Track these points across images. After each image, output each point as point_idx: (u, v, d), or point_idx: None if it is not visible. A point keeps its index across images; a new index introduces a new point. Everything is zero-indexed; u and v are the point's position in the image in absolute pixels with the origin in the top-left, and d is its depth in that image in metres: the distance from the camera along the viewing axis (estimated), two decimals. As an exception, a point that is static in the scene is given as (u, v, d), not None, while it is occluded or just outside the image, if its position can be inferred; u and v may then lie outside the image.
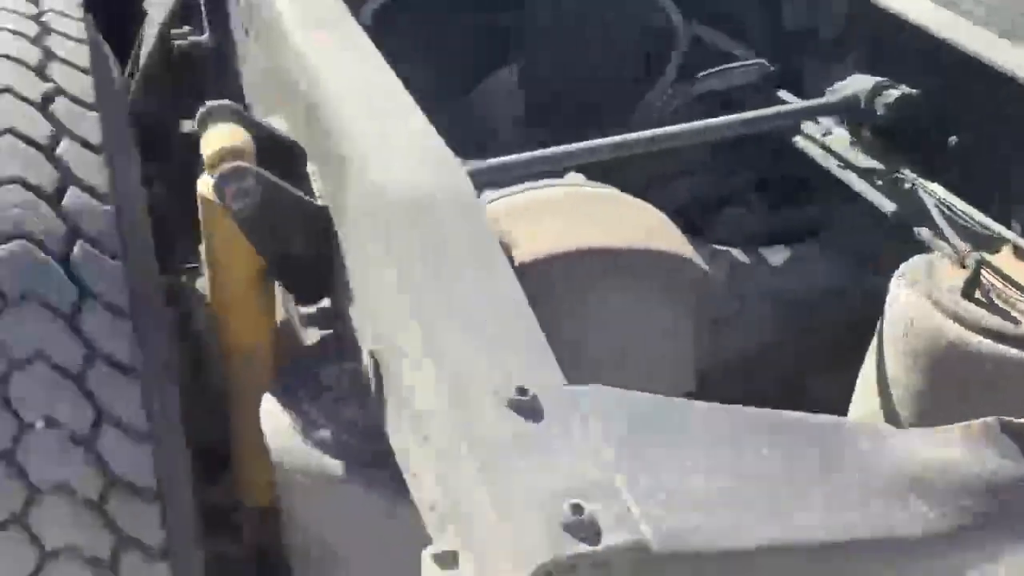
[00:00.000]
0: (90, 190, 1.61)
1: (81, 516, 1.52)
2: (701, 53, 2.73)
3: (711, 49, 2.75)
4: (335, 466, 1.64)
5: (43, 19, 1.80)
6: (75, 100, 1.69)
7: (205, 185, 1.73)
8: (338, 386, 1.67)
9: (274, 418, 1.71)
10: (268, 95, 2.08)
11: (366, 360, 1.57)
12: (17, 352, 1.51)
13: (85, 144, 1.64)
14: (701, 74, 2.53)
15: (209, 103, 1.77)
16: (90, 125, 1.67)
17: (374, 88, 1.74)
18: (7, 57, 1.71)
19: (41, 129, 1.64)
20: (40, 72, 1.71)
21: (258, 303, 1.85)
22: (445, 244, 1.41)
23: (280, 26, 1.93)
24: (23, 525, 1.50)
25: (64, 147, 1.63)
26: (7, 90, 1.66)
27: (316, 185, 1.77)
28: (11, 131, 1.62)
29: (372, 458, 1.63)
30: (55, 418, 1.51)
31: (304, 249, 1.75)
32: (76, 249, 1.57)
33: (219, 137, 1.71)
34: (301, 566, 1.78)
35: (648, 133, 2.25)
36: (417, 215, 1.44)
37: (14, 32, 1.75)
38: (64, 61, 1.73)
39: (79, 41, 1.79)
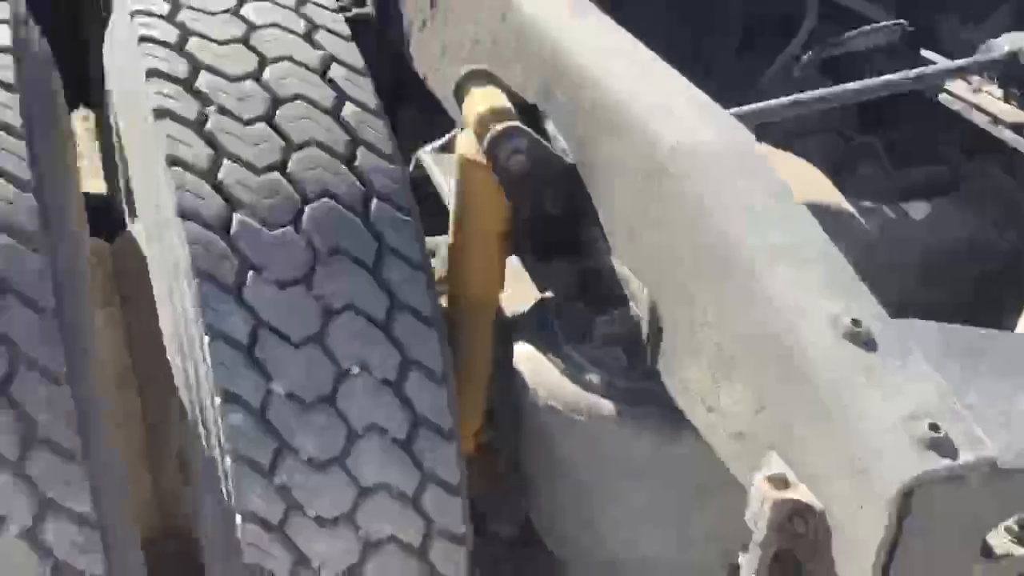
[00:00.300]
0: (377, 151, 1.71)
1: (391, 455, 1.63)
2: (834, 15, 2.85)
3: (843, 10, 2.87)
4: (605, 406, 1.76)
5: None
6: (348, 67, 1.78)
7: (466, 144, 1.84)
8: (598, 330, 1.79)
9: (535, 362, 1.83)
10: (477, 60, 2.17)
11: (638, 306, 1.70)
12: (332, 303, 1.62)
13: (365, 108, 1.74)
14: (847, 35, 2.64)
15: (466, 68, 1.87)
16: (365, 90, 1.76)
17: (623, 50, 1.85)
18: (280, 27, 1.80)
19: (325, 94, 1.73)
20: (310, 40, 1.80)
21: (498, 259, 1.96)
22: (748, 191, 1.52)
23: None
24: (343, 466, 1.61)
25: (348, 111, 1.73)
26: (287, 58, 1.75)
27: (559, 144, 1.88)
28: (300, 96, 1.71)
29: (638, 397, 1.76)
30: (368, 364, 1.62)
31: (553, 206, 1.87)
32: (373, 206, 1.67)
33: (484, 98, 1.81)
34: (558, 510, 1.90)
35: (804, 96, 2.38)
36: (712, 164, 1.55)
37: (282, 6, 1.84)
38: (330, 31, 1.82)
39: (334, 11, 1.89)
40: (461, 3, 2.25)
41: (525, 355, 1.87)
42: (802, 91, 2.40)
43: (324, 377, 1.60)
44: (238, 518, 1.58)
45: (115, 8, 2.00)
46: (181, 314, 1.64)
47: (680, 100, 1.71)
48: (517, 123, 1.77)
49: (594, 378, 1.77)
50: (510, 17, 2.01)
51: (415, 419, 1.64)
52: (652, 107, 1.68)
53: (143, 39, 1.73)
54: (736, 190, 1.51)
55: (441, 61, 2.34)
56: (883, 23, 2.68)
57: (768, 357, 1.42)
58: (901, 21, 2.66)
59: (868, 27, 2.68)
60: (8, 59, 1.66)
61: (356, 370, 1.62)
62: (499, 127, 1.75)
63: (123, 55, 1.87)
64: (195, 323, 1.59)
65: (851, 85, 2.43)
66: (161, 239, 1.68)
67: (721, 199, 1.49)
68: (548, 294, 2.02)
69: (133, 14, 1.77)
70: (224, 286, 1.58)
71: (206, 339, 1.56)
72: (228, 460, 1.57)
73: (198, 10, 1.80)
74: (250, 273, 1.59)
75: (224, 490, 1.59)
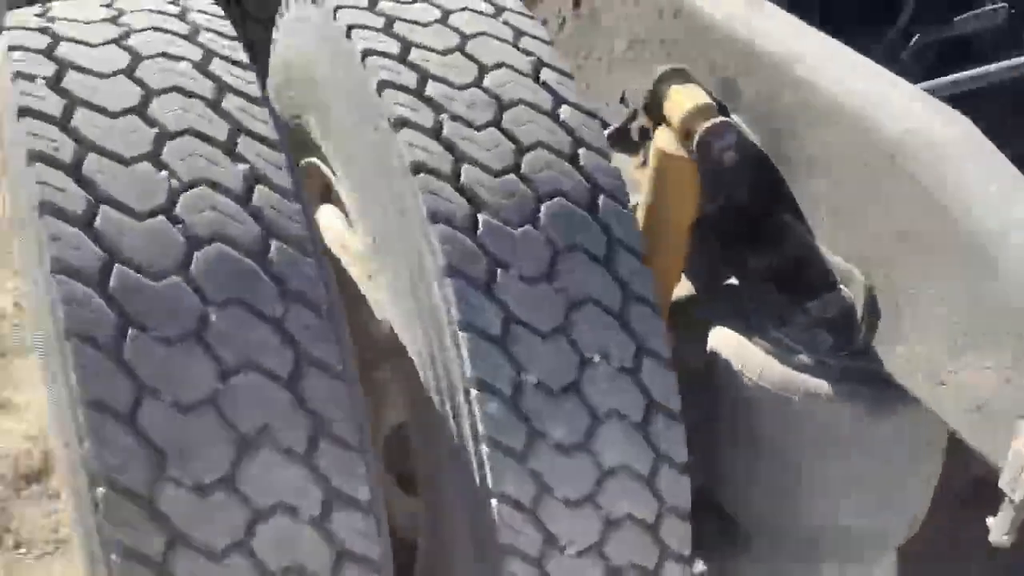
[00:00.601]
0: (596, 149, 1.80)
1: (630, 438, 1.73)
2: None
3: None
4: (817, 384, 1.86)
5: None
6: (556, 69, 1.87)
7: (666, 139, 1.93)
8: (811, 313, 1.88)
9: (740, 346, 1.93)
10: (643, 59, 2.25)
11: (850, 287, 1.79)
12: (573, 296, 1.71)
13: (579, 108, 1.83)
14: (957, 18, 2.68)
15: (661, 66, 1.96)
16: (574, 90, 1.86)
17: (815, 42, 1.94)
18: (490, 35, 1.88)
19: (543, 97, 1.82)
20: (518, 46, 1.89)
21: (683, 249, 2.05)
22: (983, 173, 1.61)
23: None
24: (587, 450, 1.70)
25: (565, 112, 1.82)
26: (503, 64, 1.84)
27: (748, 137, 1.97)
28: (522, 101, 1.81)
29: (848, 375, 1.85)
30: (608, 352, 1.72)
31: (745, 197, 1.96)
32: (600, 202, 1.77)
33: (689, 96, 1.91)
34: (757, 485, 1.99)
35: (937, 82, 2.45)
36: (945, 149, 1.65)
37: (485, 14, 1.93)
38: (533, 36, 1.91)
39: (531, 17, 1.98)
40: (613, 3, 2.33)
41: (725, 339, 1.96)
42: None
43: (569, 366, 1.70)
44: (493, 501, 1.67)
45: (295, 18, 2.09)
46: (427, 311, 1.73)
47: (890, 90, 1.80)
48: (728, 119, 1.86)
49: (805, 359, 1.87)
50: (685, 15, 2.10)
51: (650, 404, 1.74)
52: (865, 97, 1.77)
53: (368, 52, 1.81)
54: (971, 173, 1.60)
55: (596, 62, 2.42)
56: (989, 6, 2.74)
57: (1014, 331, 1.51)
58: (1003, 3, 2.71)
59: (977, 10, 2.72)
60: (252, 74, 1.75)
61: (597, 359, 1.71)
62: (711, 123, 1.85)
63: (330, 68, 1.95)
64: (447, 318, 1.68)
65: (981, 70, 2.50)
66: (402, 242, 1.77)
67: (959, 182, 1.59)
68: (731, 281, 2.11)
69: (350, 28, 1.86)
70: (476, 283, 1.67)
71: (462, 334, 1.65)
72: (484, 447, 1.66)
73: (411, 22, 1.88)
74: (499, 270, 1.68)
75: (477, 476, 1.69)
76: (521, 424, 1.67)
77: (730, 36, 2.00)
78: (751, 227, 2.00)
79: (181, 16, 1.83)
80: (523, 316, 1.68)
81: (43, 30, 1.74)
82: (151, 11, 1.82)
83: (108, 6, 1.84)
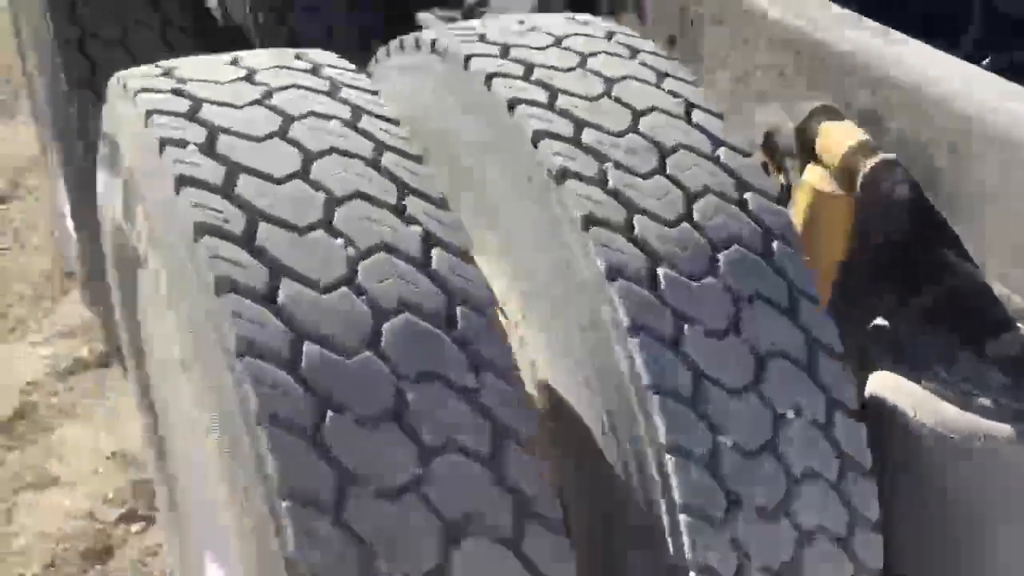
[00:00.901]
0: (760, 191, 1.71)
1: (826, 498, 1.62)
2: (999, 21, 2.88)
3: (1010, 17, 2.90)
4: (999, 428, 1.77)
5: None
6: (705, 110, 1.79)
7: (819, 178, 1.85)
8: (991, 351, 1.79)
9: (909, 391, 1.83)
10: (767, 90, 2.17)
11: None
12: (761, 349, 1.61)
13: (735, 149, 1.75)
14: None
15: (810, 103, 1.88)
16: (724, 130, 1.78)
17: (964, 72, 1.87)
18: (635, 78, 1.80)
19: (699, 139, 1.73)
20: (663, 88, 1.81)
21: (829, 290, 1.96)
22: None
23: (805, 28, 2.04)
24: (787, 513, 1.60)
25: (723, 154, 1.73)
26: (656, 108, 1.75)
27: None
28: (681, 145, 1.71)
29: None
30: (800, 407, 1.62)
31: (901, 235, 1.88)
32: (775, 247, 1.67)
33: (846, 133, 1.83)
34: (939, 542, 1.89)
35: None
36: None
37: (623, 56, 1.84)
38: (677, 78, 1.83)
39: (669, 57, 1.90)
40: (718, 37, 2.26)
41: (888, 383, 1.87)
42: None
43: (764, 424, 1.60)
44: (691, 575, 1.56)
45: (402, 66, 1.99)
46: (604, 372, 1.62)
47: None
48: (892, 156, 1.78)
49: (983, 400, 1.78)
50: (816, 47, 2.02)
51: (843, 460, 1.64)
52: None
53: (516, 101, 1.71)
54: None
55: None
56: None
57: None
58: None
59: None
60: (403, 129, 1.65)
61: (790, 415, 1.61)
62: (878, 160, 1.77)
63: (461, 118, 1.86)
64: (631, 379, 1.57)
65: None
66: (569, 299, 1.66)
67: None
68: (879, 321, 2.03)
69: (490, 77, 1.76)
70: (663, 340, 1.57)
71: (653, 396, 1.55)
72: (683, 516, 1.55)
73: (551, 68, 1.79)
74: (685, 325, 1.58)
75: (672, 548, 1.57)
76: (720, 490, 1.56)
77: (867, 68, 1.92)
78: (907, 265, 1.92)
79: (315, 72, 1.72)
80: (713, 373, 1.58)
81: (177, 91, 1.63)
82: (284, 68, 1.71)
83: (235, 64, 1.73)
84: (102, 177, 2.00)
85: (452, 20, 3.38)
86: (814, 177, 1.86)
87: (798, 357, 1.64)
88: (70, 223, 3.70)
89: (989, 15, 2.91)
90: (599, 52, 1.85)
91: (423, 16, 3.44)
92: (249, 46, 3.09)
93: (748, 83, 2.25)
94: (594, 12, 2.70)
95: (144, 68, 1.75)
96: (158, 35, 3.10)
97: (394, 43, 2.07)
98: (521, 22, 1.98)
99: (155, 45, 3.05)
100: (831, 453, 1.63)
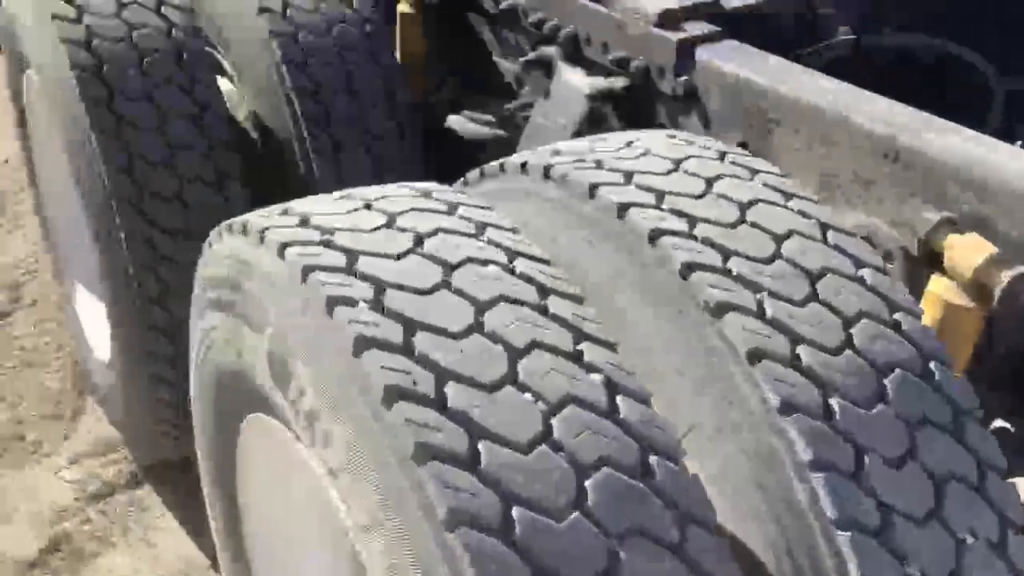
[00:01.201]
0: (908, 310, 1.70)
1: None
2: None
3: None
4: None
5: None
6: (838, 230, 1.78)
7: (948, 290, 1.86)
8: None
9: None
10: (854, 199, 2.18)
11: None
12: (937, 473, 1.59)
13: (878, 269, 1.74)
14: None
15: (930, 213, 1.89)
16: (866, 249, 1.76)
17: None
18: (765, 201, 1.79)
19: (843, 262, 1.72)
20: (791, 208, 1.80)
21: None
22: None
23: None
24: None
25: (868, 276, 1.72)
26: (795, 232, 1.74)
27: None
28: (827, 269, 1.70)
29: None
30: (976, 530, 1.60)
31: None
32: (933, 368, 1.66)
33: (975, 246, 1.84)
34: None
35: None
36: None
37: (745, 179, 1.83)
38: (801, 197, 1.82)
39: (783, 175, 1.90)
40: (794, 142, 2.27)
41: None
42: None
43: (947, 551, 1.57)
44: None
45: (505, 190, 1.96)
46: (780, 507, 1.59)
47: None
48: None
49: None
50: (904, 154, 2.04)
51: (1019, 579, 1.62)
52: None
53: (657, 232, 1.69)
54: None
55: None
56: None
57: None
58: None
59: None
60: (560, 270, 1.62)
61: (970, 539, 1.59)
62: (1016, 273, 1.78)
63: (587, 247, 1.83)
64: (813, 515, 1.54)
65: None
66: (736, 434, 1.63)
67: None
68: (999, 423, 2.02)
69: (623, 207, 1.74)
70: (845, 474, 1.54)
71: (840, 534, 1.52)
72: (881, 654, 1.51)
73: (680, 195, 1.77)
74: (865, 456, 1.55)
75: None
76: (911, 623, 1.53)
77: (967, 171, 1.94)
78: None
79: (452, 211, 1.69)
80: (896, 503, 1.55)
81: (326, 243, 1.58)
82: (422, 210, 1.68)
83: (369, 207, 1.69)
84: (209, 322, 1.93)
85: (488, 124, 3.36)
86: (943, 290, 1.86)
87: (970, 478, 1.62)
88: (94, 342, 3.60)
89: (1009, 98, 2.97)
90: (722, 175, 1.83)
91: (453, 119, 3.43)
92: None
93: (831, 188, 2.26)
94: (652, 120, 2.71)
95: (274, 214, 1.70)
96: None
97: (490, 166, 2.04)
98: (629, 143, 1.96)
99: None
100: (1007, 574, 1.61)
